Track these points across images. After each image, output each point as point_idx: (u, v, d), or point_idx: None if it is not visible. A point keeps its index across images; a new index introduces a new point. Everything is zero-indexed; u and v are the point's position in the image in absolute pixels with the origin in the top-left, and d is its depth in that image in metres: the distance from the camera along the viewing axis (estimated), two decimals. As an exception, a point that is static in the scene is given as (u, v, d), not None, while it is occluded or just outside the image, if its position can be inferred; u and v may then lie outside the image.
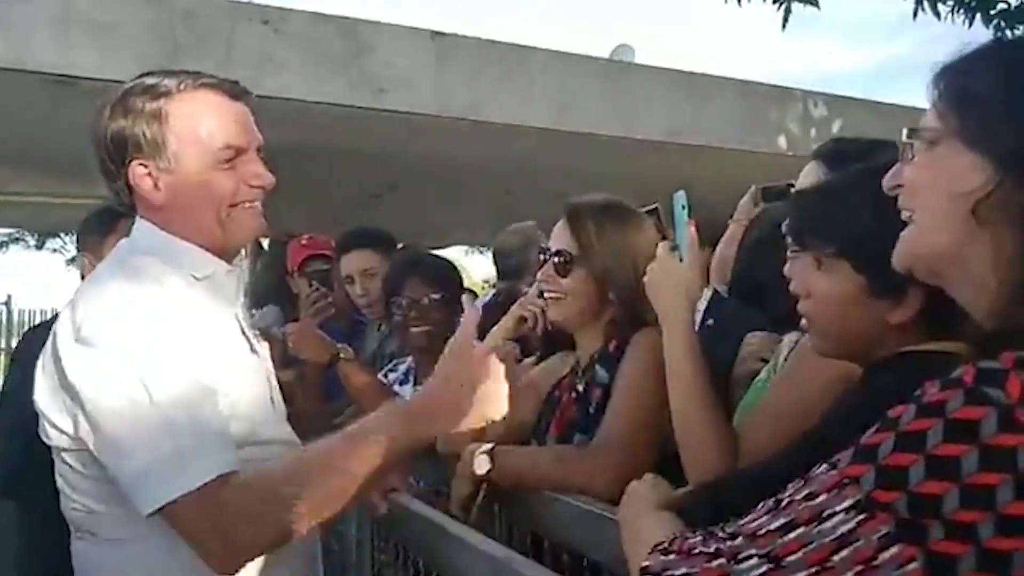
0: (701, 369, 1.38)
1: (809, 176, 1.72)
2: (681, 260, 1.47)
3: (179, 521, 1.14)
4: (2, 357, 11.52)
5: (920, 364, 0.99)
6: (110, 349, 1.17)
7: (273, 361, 1.50)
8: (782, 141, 5.21)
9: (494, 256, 3.29)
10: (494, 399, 1.22)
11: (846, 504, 0.68)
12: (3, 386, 2.73)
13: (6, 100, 3.89)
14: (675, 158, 5.16)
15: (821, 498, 0.70)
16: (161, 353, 1.17)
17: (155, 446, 1.13)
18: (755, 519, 0.75)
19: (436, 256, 2.74)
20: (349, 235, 2.91)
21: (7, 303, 12.22)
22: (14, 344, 10.83)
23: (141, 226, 1.34)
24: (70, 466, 1.27)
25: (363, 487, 1.18)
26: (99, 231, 2.23)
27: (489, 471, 1.58)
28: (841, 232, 1.10)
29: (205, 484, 1.11)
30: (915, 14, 4.69)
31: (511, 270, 3.12)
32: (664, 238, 1.61)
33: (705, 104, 5.20)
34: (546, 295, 1.73)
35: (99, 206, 2.30)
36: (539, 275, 1.75)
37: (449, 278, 2.45)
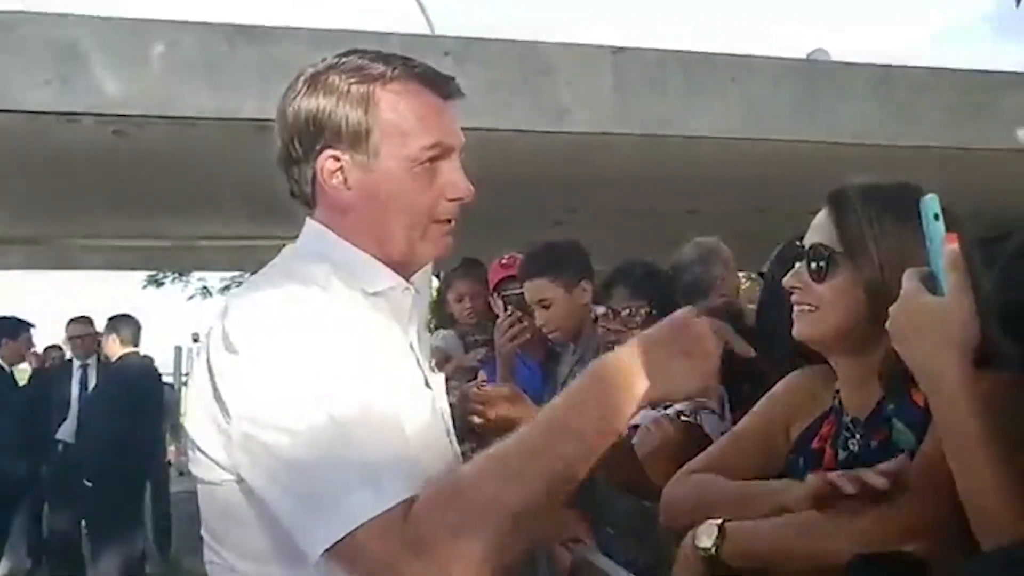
0: (990, 438, 1.01)
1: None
2: (940, 293, 1.04)
3: (364, 553, 0.94)
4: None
5: None
6: (274, 357, 1.00)
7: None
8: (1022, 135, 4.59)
9: (671, 272, 3.01)
10: (700, 373, 1.06)
11: None
12: None
13: (218, 149, 4.19)
14: (885, 162, 4.72)
15: None
16: (328, 360, 0.99)
17: (337, 465, 0.94)
18: None
19: (651, 265, 2.42)
20: (524, 259, 2.75)
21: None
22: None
23: (312, 229, 1.19)
24: (216, 506, 1.09)
25: (574, 465, 1.00)
26: None
27: (717, 549, 1.26)
28: None
29: (398, 503, 0.94)
30: None
31: (689, 287, 2.77)
32: None
33: (912, 100, 4.72)
34: (795, 307, 1.31)
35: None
36: (788, 279, 1.32)
37: (660, 291, 2.20)
